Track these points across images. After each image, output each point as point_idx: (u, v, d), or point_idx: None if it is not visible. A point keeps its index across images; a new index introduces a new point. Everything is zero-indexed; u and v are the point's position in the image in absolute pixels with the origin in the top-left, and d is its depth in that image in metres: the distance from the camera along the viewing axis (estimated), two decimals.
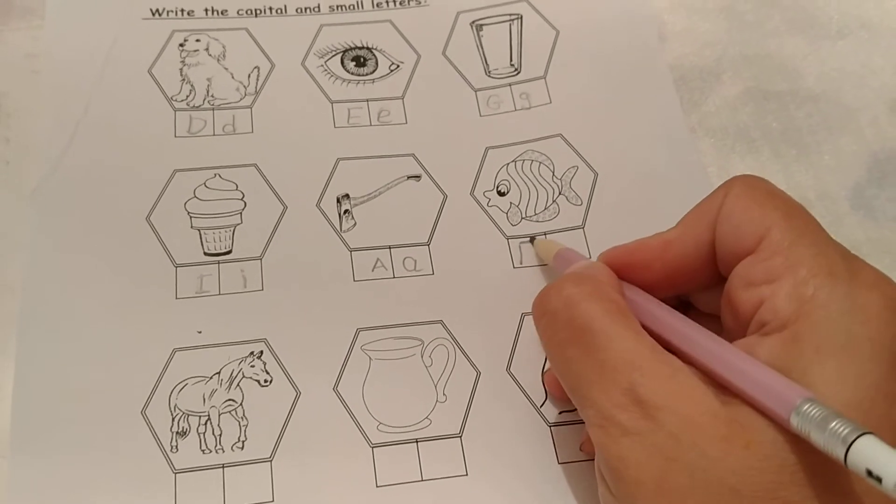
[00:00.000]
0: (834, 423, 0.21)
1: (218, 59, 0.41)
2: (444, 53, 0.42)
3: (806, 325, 0.24)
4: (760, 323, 0.26)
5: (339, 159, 0.38)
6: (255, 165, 0.38)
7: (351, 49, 0.42)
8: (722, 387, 0.25)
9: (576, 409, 0.33)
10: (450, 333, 0.35)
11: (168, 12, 0.41)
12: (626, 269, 0.30)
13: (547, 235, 0.37)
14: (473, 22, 0.43)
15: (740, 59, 0.42)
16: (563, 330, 0.28)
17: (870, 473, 0.20)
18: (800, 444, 0.23)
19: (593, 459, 0.32)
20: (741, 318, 0.27)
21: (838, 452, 0.21)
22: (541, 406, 0.33)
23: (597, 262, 0.31)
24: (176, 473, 0.31)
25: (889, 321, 0.24)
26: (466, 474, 0.32)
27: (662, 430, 0.24)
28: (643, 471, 0.24)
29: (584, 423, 0.33)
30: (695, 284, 0.30)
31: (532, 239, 0.37)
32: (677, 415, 0.24)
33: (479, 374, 0.34)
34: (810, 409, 0.22)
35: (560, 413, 0.33)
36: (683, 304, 0.31)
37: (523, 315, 0.35)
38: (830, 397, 0.23)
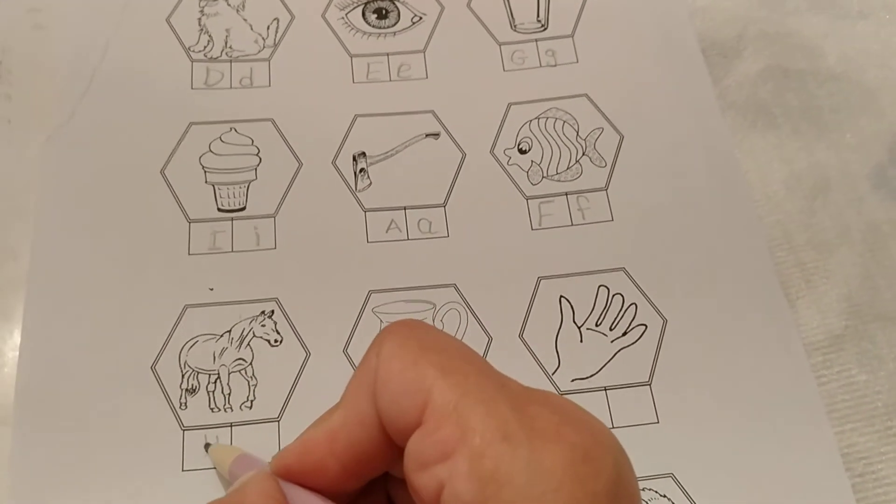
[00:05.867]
0: None
1: (237, 10, 0.40)
2: (468, 6, 0.40)
3: None
4: None
5: (356, 116, 0.38)
6: (271, 120, 0.37)
7: (373, 1, 0.40)
8: None
9: (589, 377, 0.33)
10: (462, 298, 0.34)
11: None
12: (300, 476, 0.25)
13: (568, 196, 0.36)
14: None
15: (761, 37, 0.41)
16: None
17: None
18: None
19: None
20: None
21: None
22: (553, 373, 0.33)
23: (258, 483, 0.26)
24: (184, 430, 0.31)
25: (580, 476, 0.21)
26: None
27: None
28: None
29: (596, 391, 0.32)
30: (386, 465, 0.25)
31: (207, 446, 0.31)
32: None
33: (490, 339, 0.33)
34: None
35: (572, 381, 0.33)
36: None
37: (539, 279, 0.34)
38: None
